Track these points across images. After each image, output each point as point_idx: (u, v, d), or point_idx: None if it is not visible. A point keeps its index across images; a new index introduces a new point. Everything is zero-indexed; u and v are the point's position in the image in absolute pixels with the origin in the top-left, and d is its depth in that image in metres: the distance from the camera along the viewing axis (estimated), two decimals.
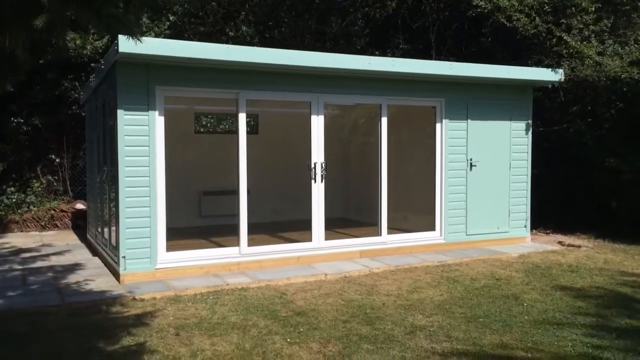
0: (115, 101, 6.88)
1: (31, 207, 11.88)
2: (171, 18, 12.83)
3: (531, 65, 10.05)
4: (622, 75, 9.62)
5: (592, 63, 10.11)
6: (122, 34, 3.66)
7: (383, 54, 12.81)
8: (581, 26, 10.53)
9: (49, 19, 2.86)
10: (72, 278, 7.14)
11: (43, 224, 11.76)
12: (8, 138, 12.03)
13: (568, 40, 10.16)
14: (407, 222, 9.54)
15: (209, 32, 13.12)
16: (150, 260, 7.02)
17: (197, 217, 11.14)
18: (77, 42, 11.38)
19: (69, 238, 10.67)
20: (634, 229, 9.57)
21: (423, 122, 9.39)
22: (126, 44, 6.31)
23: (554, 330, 5.04)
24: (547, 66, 9.79)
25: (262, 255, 7.68)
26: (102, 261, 8.12)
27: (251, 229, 7.77)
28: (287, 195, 11.34)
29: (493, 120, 9.13)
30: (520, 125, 9.41)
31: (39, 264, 8.14)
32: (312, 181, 7.98)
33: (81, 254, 8.88)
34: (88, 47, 11.49)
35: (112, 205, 7.57)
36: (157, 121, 7.03)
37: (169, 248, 7.22)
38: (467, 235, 8.98)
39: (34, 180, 12.34)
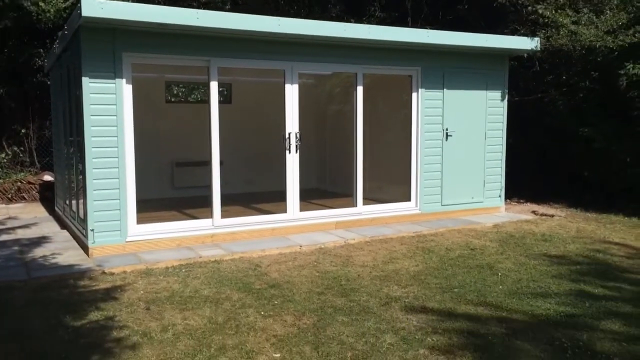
0: (80, 69, 6.58)
1: None
2: None
3: (507, 35, 9.95)
4: (598, 45, 9.58)
5: (567, 32, 10.05)
6: None
7: (358, 22, 12.55)
8: None
9: None
10: (39, 252, 6.93)
11: (9, 196, 11.41)
12: None
13: (541, 12, 10.05)
14: (382, 192, 9.49)
15: None
16: (120, 233, 6.84)
17: (170, 189, 10.93)
18: (41, 4, 10.85)
19: (36, 211, 10.37)
20: (606, 198, 9.70)
21: (399, 92, 9.27)
22: (90, 7, 6.02)
23: (528, 299, 5.05)
24: (523, 35, 9.70)
25: (236, 227, 7.55)
26: (71, 234, 7.90)
27: (225, 201, 7.62)
28: (261, 166, 11.17)
29: (469, 89, 9.06)
30: (496, 94, 9.35)
31: (4, 237, 7.89)
32: (287, 152, 7.83)
33: (49, 227, 8.63)
34: (52, 10, 10.95)
35: (79, 177, 7.32)
36: (125, 89, 6.77)
37: (140, 220, 7.04)
38: (442, 205, 8.97)
39: None
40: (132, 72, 6.87)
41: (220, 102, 7.42)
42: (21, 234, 8.15)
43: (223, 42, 7.23)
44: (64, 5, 11.12)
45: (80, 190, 7.31)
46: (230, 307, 4.90)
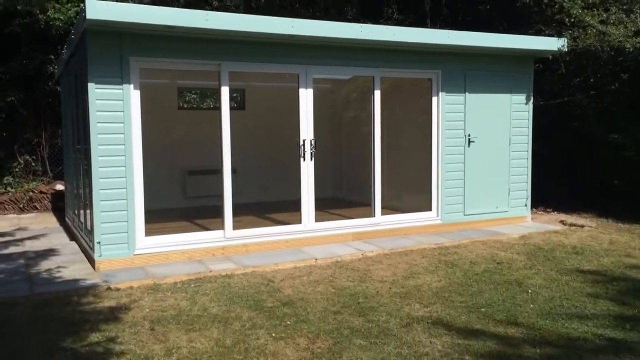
0: (86, 74, 6.32)
1: (8, 188, 11.34)
2: None
3: (531, 35, 9.52)
4: (627, 45, 9.12)
5: (595, 32, 9.60)
6: None
7: (375, 24, 12.21)
8: None
9: None
10: (45, 265, 6.66)
11: (21, 206, 11.23)
12: None
13: (568, 8, 9.61)
14: (401, 201, 9.10)
15: (192, 0, 12.45)
16: (128, 245, 6.54)
17: (182, 198, 10.65)
18: (50, 13, 10.69)
19: (47, 221, 10.16)
20: (638, 207, 9.18)
21: (418, 96, 8.89)
22: (95, 10, 5.76)
23: (563, 321, 4.63)
24: (548, 36, 9.27)
25: (248, 239, 7.22)
26: (79, 246, 7.64)
27: (238, 210, 7.31)
28: (276, 173, 10.84)
29: (492, 93, 8.64)
30: (521, 98, 8.92)
31: (11, 249, 7.65)
32: (301, 159, 7.50)
33: (58, 239, 8.39)
34: (62, 18, 10.78)
35: (86, 187, 7.06)
36: (133, 95, 6.49)
37: (149, 232, 6.74)
38: (464, 215, 8.54)
39: (12, 161, 11.74)
40: (141, 78, 6.60)
41: (233, 108, 7.12)
42: (29, 245, 7.91)
43: (234, 45, 6.93)
44: (75, 10, 10.93)
45: (87, 201, 7.05)
46: (240, 328, 4.56)
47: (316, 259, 6.75)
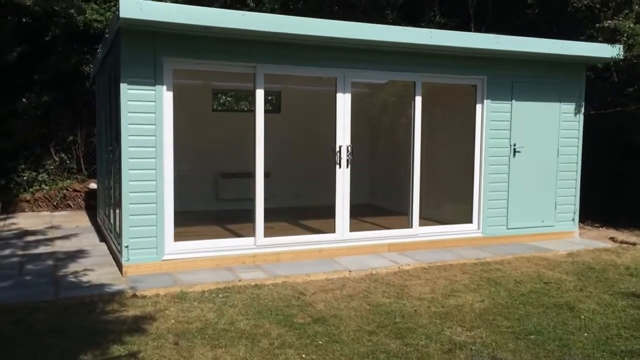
0: (119, 75, 6.16)
1: (43, 186, 11.37)
2: None
3: (583, 42, 9.01)
4: None
5: None
6: None
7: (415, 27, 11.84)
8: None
9: None
10: (72, 267, 6.53)
11: (55, 203, 11.26)
12: (19, 114, 11.46)
13: (619, 25, 9.03)
14: (440, 212, 8.71)
15: (229, 3, 12.29)
16: (157, 250, 6.36)
17: (215, 201, 10.48)
18: (88, 13, 10.68)
19: (79, 220, 10.12)
20: None
21: (461, 102, 8.49)
22: (129, 9, 5.58)
23: (622, 354, 4.20)
24: (601, 43, 8.74)
25: (280, 247, 6.95)
26: (108, 248, 7.51)
27: (270, 216, 7.05)
28: (311, 178, 10.55)
29: (540, 101, 8.18)
30: (570, 107, 8.43)
31: (42, 249, 7.57)
32: (337, 166, 7.20)
33: (88, 239, 8.29)
34: (99, 18, 10.77)
35: (117, 189, 6.91)
36: (165, 97, 6.30)
37: (179, 237, 6.54)
38: (507, 228, 8.10)
39: (47, 158, 11.79)
40: (175, 78, 6.41)
41: (268, 111, 6.89)
42: (59, 245, 7.82)
43: (271, 47, 6.68)
44: (114, 10, 10.90)
45: (116, 203, 6.90)
46: (268, 346, 4.28)
47: (350, 271, 6.44)
